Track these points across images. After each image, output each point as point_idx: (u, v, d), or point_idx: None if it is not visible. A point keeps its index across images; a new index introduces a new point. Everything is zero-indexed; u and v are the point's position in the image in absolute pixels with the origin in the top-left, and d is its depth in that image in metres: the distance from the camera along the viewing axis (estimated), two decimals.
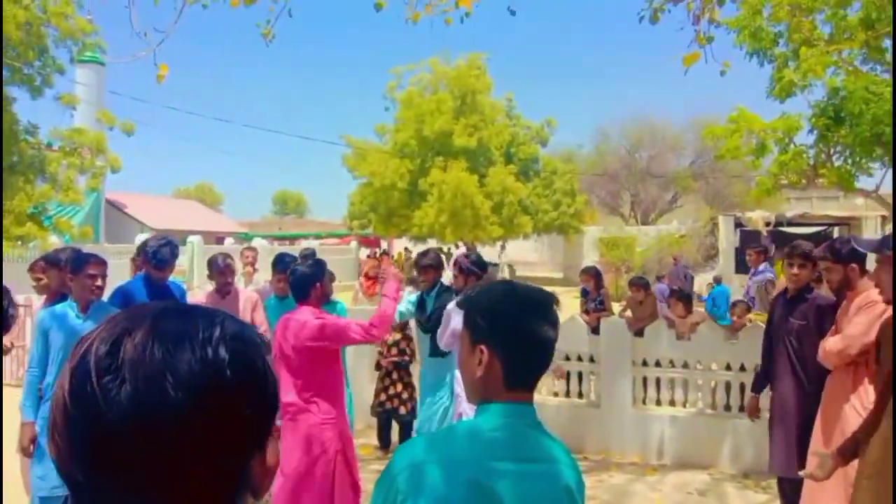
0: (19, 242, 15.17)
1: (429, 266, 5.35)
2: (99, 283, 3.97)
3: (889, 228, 19.09)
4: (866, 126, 9.08)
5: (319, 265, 3.88)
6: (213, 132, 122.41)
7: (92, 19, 17.65)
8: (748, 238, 21.43)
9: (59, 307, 3.95)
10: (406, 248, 30.57)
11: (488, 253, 29.24)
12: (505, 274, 27.27)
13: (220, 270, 5.06)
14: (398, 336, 6.39)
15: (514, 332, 1.48)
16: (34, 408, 3.81)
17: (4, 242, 14.85)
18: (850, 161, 10.07)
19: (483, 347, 1.48)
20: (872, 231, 19.80)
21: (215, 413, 0.67)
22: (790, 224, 20.81)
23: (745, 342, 6.02)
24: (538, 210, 27.39)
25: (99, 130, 18.13)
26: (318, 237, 34.15)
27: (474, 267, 4.94)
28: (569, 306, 17.33)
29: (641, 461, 6.22)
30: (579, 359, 6.55)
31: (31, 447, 3.78)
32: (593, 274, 7.29)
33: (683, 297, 6.67)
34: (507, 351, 1.47)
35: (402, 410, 6.22)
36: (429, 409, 5.14)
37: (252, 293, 5.37)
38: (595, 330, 6.56)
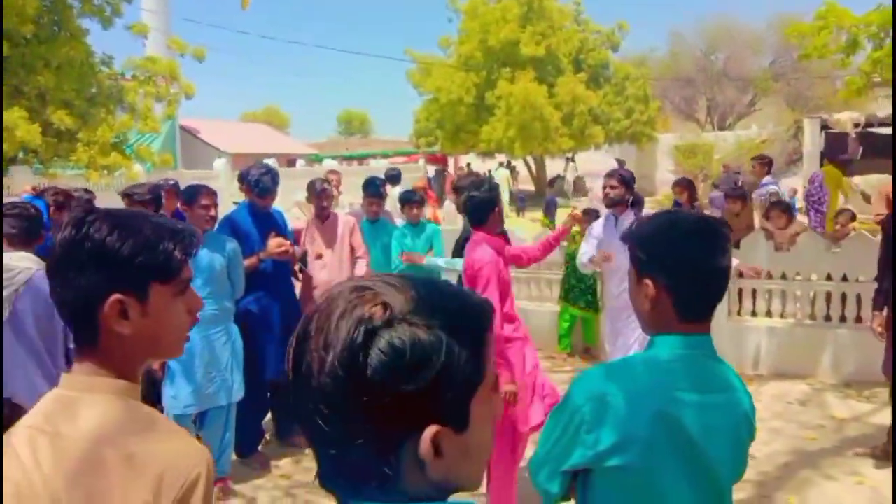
0: (105, 172, 15.71)
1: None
2: (212, 212, 4.13)
3: None
4: None
5: (494, 189, 3.73)
6: (277, 54, 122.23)
7: None
8: (835, 141, 20.28)
9: None
10: (468, 164, 30.36)
11: (558, 166, 28.78)
12: (570, 188, 26.82)
13: (318, 195, 5.14)
14: None
15: (678, 264, 1.43)
16: None
17: (92, 172, 15.43)
18: None
19: (648, 281, 1.46)
20: None
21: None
22: (881, 125, 19.56)
23: (848, 251, 5.81)
24: (609, 119, 26.53)
25: (170, 58, 18.35)
26: (385, 156, 34.16)
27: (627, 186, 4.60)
28: None
29: (737, 372, 6.18)
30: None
31: (161, 370, 4.02)
32: (686, 185, 7.07)
33: (784, 207, 6.41)
34: (675, 283, 1.43)
35: None
36: None
37: (349, 217, 5.46)
38: None
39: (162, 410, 4.28)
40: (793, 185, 8.37)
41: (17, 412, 3.00)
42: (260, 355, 4.50)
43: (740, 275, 6.06)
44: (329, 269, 5.15)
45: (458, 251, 4.94)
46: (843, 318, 5.91)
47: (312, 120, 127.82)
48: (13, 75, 14.74)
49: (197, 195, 4.19)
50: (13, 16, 14.35)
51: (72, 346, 3.34)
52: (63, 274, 1.11)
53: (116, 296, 1.12)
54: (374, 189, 5.66)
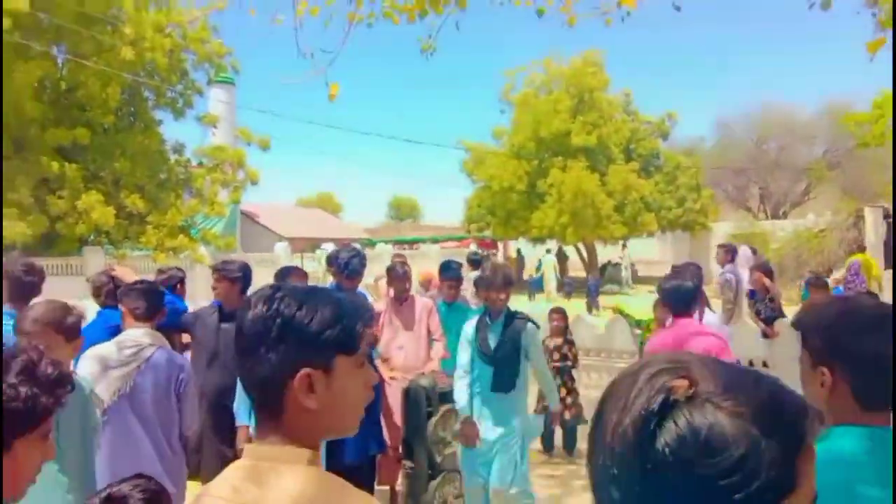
0: (171, 253, 16.29)
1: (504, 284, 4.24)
2: None
3: None
4: None
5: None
6: (331, 142, 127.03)
7: (223, 42, 18.82)
8: None
9: None
10: (518, 250, 30.47)
11: (609, 252, 28.67)
12: (627, 273, 26.56)
13: (399, 278, 5.21)
14: (559, 341, 6.36)
15: (861, 353, 1.40)
16: (248, 411, 4.05)
17: (159, 253, 16.04)
18: None
19: (825, 369, 1.43)
20: None
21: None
22: None
23: None
24: (661, 207, 26.53)
25: (236, 146, 19.28)
26: (435, 241, 34.66)
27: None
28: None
29: None
30: (750, 364, 6.27)
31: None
32: (765, 272, 6.95)
33: (820, 282, 6.23)
34: (853, 372, 1.41)
35: (567, 415, 6.18)
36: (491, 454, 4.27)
37: (427, 300, 5.50)
38: (765, 333, 6.26)
39: None
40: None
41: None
42: (339, 438, 4.46)
43: None
44: (406, 352, 5.15)
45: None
46: None
47: (364, 205, 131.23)
48: (92, 161, 15.62)
49: (287, 276, 4.32)
50: (96, 107, 15.35)
51: (185, 430, 3.40)
52: (254, 349, 1.14)
53: (306, 370, 1.14)
54: (451, 272, 5.71)
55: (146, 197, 16.10)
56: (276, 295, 1.17)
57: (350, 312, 1.20)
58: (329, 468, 3.82)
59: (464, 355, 4.30)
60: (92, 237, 16.05)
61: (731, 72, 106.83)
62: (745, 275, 7.80)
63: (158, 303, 3.41)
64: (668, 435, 0.68)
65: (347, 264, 4.61)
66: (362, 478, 4.32)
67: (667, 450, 0.68)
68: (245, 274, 4.64)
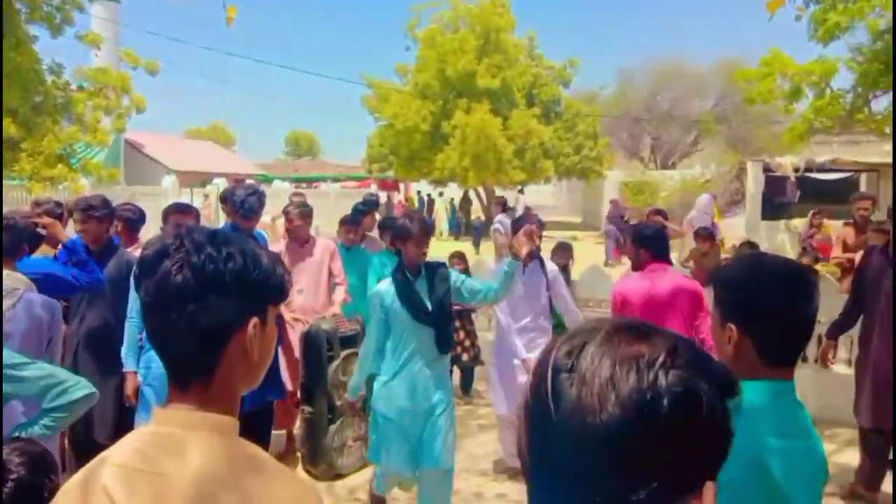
0: (49, 184, 15.11)
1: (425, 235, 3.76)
2: None
3: None
4: None
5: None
6: (225, 69, 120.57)
7: None
8: (775, 184, 21.20)
9: None
10: (419, 192, 30.48)
11: (508, 197, 29.14)
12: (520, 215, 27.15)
13: (300, 217, 5.02)
14: None
15: (765, 310, 1.43)
16: (136, 357, 3.84)
17: (35, 184, 14.82)
18: None
19: (732, 325, 1.45)
20: None
21: (652, 433, 0.67)
22: (819, 170, 20.55)
23: None
24: (560, 154, 27.05)
25: (121, 70, 17.88)
26: (336, 180, 33.92)
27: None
28: (591, 252, 17.21)
29: None
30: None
31: (135, 396, 3.82)
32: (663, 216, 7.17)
33: (752, 247, 6.61)
34: (760, 329, 1.43)
35: (465, 357, 6.27)
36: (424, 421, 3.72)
37: (329, 242, 5.35)
38: None
39: None
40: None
41: None
42: None
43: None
44: (306, 294, 5.02)
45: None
46: (804, 359, 6.07)
47: (259, 139, 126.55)
48: None
49: (168, 214, 4.03)
50: None
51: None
52: (198, 297, 1.02)
53: (255, 318, 1.07)
54: (352, 216, 5.58)
55: (19, 121, 14.74)
56: (215, 240, 1.06)
57: (275, 260, 1.14)
58: None
59: (379, 329, 3.65)
60: None
61: (633, 23, 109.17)
62: (705, 220, 9.40)
63: (18, 240, 3.07)
64: (672, 404, 0.68)
65: (244, 202, 4.37)
66: (259, 425, 4.20)
67: (671, 421, 0.67)
68: (112, 211, 4.22)
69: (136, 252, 4.54)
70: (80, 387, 2.26)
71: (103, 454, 1.05)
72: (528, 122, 25.12)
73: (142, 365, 3.83)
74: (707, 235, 6.76)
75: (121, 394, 3.94)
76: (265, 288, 1.08)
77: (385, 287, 3.68)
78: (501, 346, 4.71)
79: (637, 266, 4.04)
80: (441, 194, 28.29)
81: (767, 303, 1.43)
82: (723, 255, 7.05)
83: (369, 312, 3.87)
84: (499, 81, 25.10)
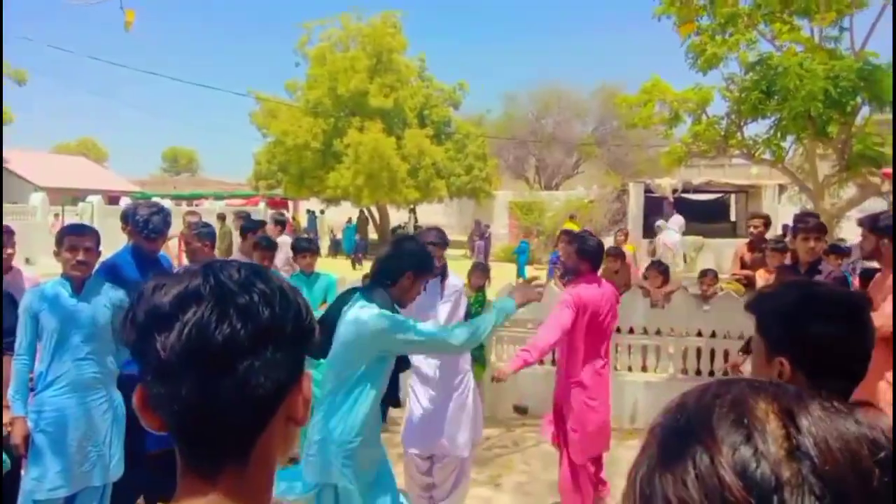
0: None
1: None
2: (81, 257, 3.48)
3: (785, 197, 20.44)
4: (800, 102, 9.52)
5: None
6: (99, 81, 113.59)
7: None
8: (654, 204, 22.34)
9: (49, 286, 3.48)
10: (314, 211, 29.90)
11: (402, 216, 29.07)
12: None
13: (199, 238, 4.66)
14: None
15: (820, 343, 1.34)
16: (24, 401, 3.36)
17: None
18: (778, 134, 10.55)
19: (783, 360, 1.35)
20: (770, 199, 21.10)
21: None
22: (696, 191, 21.87)
23: (718, 310, 6.24)
24: (451, 173, 27.31)
25: None
26: (218, 197, 32.59)
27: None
28: (497, 271, 17.38)
29: (615, 425, 6.35)
30: None
31: (24, 445, 3.34)
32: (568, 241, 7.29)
33: (661, 267, 6.82)
34: (816, 363, 1.33)
35: None
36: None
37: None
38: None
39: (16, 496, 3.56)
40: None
41: None
42: (139, 424, 3.89)
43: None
44: None
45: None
46: (711, 373, 6.31)
47: (133, 155, 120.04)
48: None
49: (62, 237, 3.58)
50: None
51: None
52: (255, 355, 0.76)
53: (309, 372, 0.84)
54: (265, 240, 5.26)
55: None
56: (258, 278, 0.80)
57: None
58: (128, 460, 3.21)
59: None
60: None
61: (517, 48, 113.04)
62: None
63: None
64: None
65: (147, 223, 3.96)
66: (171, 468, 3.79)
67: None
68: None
69: (14, 277, 4.05)
70: None
71: None
72: (420, 141, 25.22)
73: (32, 409, 3.36)
74: (617, 254, 6.93)
75: None
76: (311, 336, 0.84)
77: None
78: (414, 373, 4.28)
79: (576, 276, 4.36)
80: (322, 212, 28.02)
81: (824, 335, 1.34)
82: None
83: None
84: (391, 101, 25.07)
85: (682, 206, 22.55)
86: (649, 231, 21.84)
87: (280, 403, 0.80)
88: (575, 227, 14.20)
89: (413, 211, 28.61)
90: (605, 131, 35.64)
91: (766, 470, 0.51)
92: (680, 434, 0.56)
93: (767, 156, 10.65)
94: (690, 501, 0.52)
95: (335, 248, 25.18)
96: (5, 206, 19.22)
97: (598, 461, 4.59)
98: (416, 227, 28.78)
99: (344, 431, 2.84)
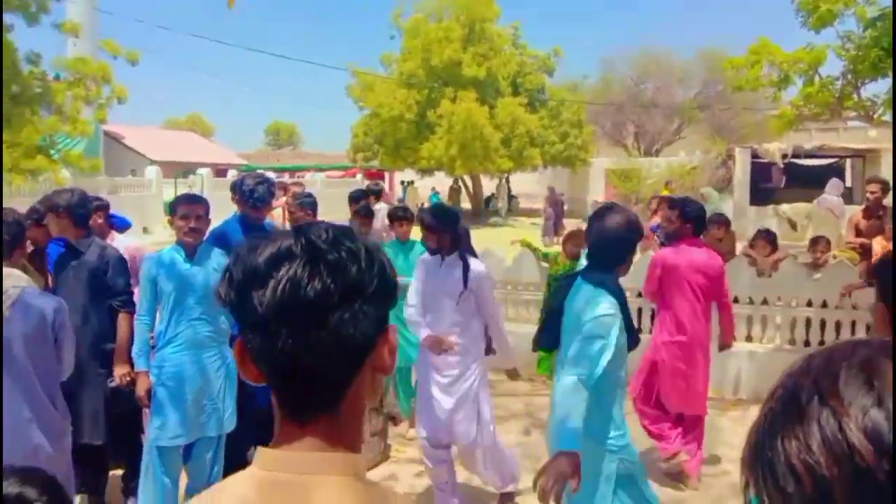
0: (29, 176, 14.69)
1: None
2: (193, 224, 3.69)
3: None
4: None
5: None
6: (204, 58, 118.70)
7: None
8: (762, 169, 21.24)
9: (165, 253, 3.72)
10: (406, 182, 30.31)
11: (491, 186, 29.01)
12: (504, 205, 27.08)
13: (307, 209, 4.83)
14: None
15: None
16: (147, 357, 3.64)
17: (15, 176, 14.40)
18: None
19: None
20: (890, 164, 19.63)
21: None
22: (807, 156, 20.64)
23: (830, 278, 5.91)
24: (545, 142, 26.96)
25: (100, 59, 17.44)
26: (319, 169, 33.54)
27: (441, 223, 3.83)
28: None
29: (717, 395, 6.18)
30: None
31: (147, 397, 3.62)
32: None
33: (769, 236, 6.52)
34: None
35: None
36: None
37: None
38: None
39: (141, 442, 3.88)
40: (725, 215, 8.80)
41: None
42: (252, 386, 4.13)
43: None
44: None
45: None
46: (821, 343, 6.01)
47: (238, 129, 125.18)
48: None
49: (175, 206, 3.82)
50: None
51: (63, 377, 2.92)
52: (345, 308, 0.81)
53: (393, 325, 0.89)
54: (366, 207, 5.40)
55: None
56: (345, 237, 0.85)
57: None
58: (241, 414, 3.42)
59: None
60: None
61: (615, 13, 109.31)
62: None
63: (18, 235, 2.86)
64: None
65: (253, 192, 4.17)
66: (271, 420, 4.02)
67: None
68: (71, 204, 3.86)
69: (112, 243, 4.32)
70: None
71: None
72: (514, 110, 25.00)
73: (154, 364, 3.63)
74: (722, 221, 6.66)
75: (106, 393, 3.76)
76: (395, 290, 0.89)
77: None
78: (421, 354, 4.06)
79: (677, 239, 4.40)
80: (412, 182, 28.12)
81: None
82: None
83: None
84: (484, 70, 24.92)
85: (792, 171, 21.35)
86: (757, 198, 20.83)
87: (369, 354, 0.85)
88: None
89: (507, 180, 28.46)
90: (708, 95, 34.07)
91: None
92: (805, 396, 0.54)
93: (887, 117, 9.90)
94: (816, 466, 0.51)
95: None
96: (123, 179, 20.54)
97: (685, 423, 4.49)
98: (510, 197, 28.69)
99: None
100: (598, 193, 26.21)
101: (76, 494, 3.72)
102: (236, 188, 4.27)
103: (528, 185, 32.59)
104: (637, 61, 34.84)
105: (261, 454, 0.85)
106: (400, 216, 5.34)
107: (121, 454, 3.96)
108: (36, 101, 15.81)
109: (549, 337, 3.11)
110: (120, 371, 3.75)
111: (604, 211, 2.82)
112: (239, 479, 0.86)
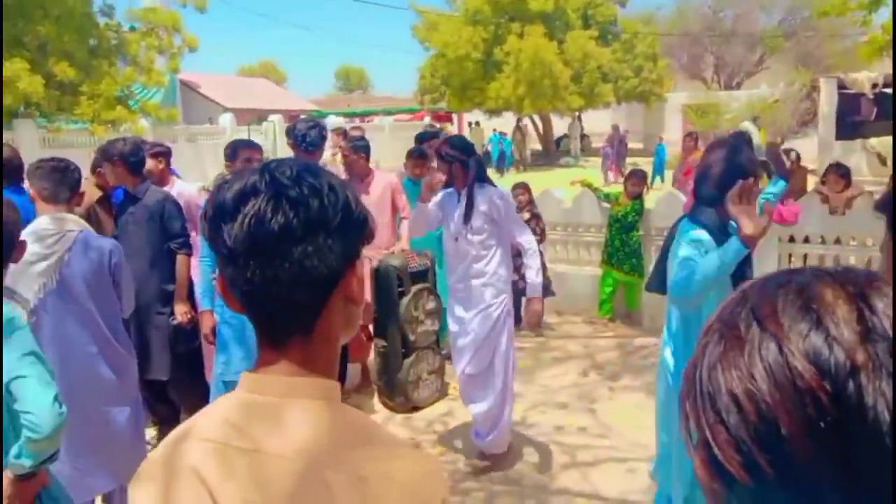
0: (110, 126, 15.32)
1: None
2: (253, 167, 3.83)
3: None
4: None
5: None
6: (270, 4, 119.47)
7: None
8: (848, 101, 19.97)
9: None
10: (472, 123, 29.98)
11: (566, 124, 28.36)
12: (577, 145, 26.46)
13: (357, 152, 4.88)
14: (527, 215, 6.16)
15: None
16: (211, 297, 3.82)
17: (97, 126, 15.03)
18: None
19: None
20: None
21: None
22: None
23: None
24: (618, 77, 26.05)
25: (170, 8, 17.77)
26: (388, 113, 33.59)
27: (458, 153, 3.72)
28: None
29: None
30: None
31: (212, 335, 3.82)
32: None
33: (841, 171, 6.18)
34: None
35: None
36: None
37: (391, 176, 5.21)
38: None
39: (205, 380, 4.12)
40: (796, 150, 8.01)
41: (80, 393, 2.78)
42: None
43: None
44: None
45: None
46: None
47: (310, 75, 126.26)
48: (12, 25, 14.21)
49: (237, 151, 3.98)
50: None
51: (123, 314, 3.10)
52: (308, 241, 0.86)
53: (358, 260, 0.92)
54: (419, 149, 5.41)
55: (76, 65, 14.82)
56: (308, 173, 0.89)
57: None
58: None
59: None
60: (22, 109, 14.89)
61: None
62: None
63: (73, 181, 3.01)
64: None
65: (305, 136, 4.25)
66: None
67: None
68: (124, 153, 3.99)
69: (171, 189, 4.50)
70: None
71: (186, 426, 0.93)
72: (584, 44, 24.18)
73: (217, 304, 3.81)
74: (843, 173, 6.25)
75: (168, 331, 3.98)
76: (363, 226, 0.93)
77: None
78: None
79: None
80: (478, 123, 27.38)
81: None
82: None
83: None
84: (552, 3, 24.10)
85: (883, 103, 19.98)
86: (844, 132, 19.68)
87: (336, 285, 0.90)
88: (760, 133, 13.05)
89: (578, 118, 27.75)
90: (793, 22, 31.98)
91: (840, 355, 0.48)
92: (743, 325, 0.54)
93: None
94: (759, 393, 0.50)
95: (500, 161, 24.84)
96: (200, 127, 21.13)
97: None
98: (582, 136, 28.02)
99: None
100: (675, 129, 25.31)
101: (148, 426, 4.00)
102: (290, 133, 4.36)
103: (601, 124, 31.71)
104: None
105: (243, 378, 0.92)
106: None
107: (185, 390, 4.21)
108: (112, 53, 16.40)
109: (657, 279, 3.05)
110: (180, 310, 3.96)
111: (713, 144, 2.67)
112: (224, 400, 0.93)
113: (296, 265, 0.85)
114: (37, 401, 1.90)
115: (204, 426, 0.90)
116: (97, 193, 4.45)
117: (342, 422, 0.90)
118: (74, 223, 2.92)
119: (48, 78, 14.07)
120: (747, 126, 11.54)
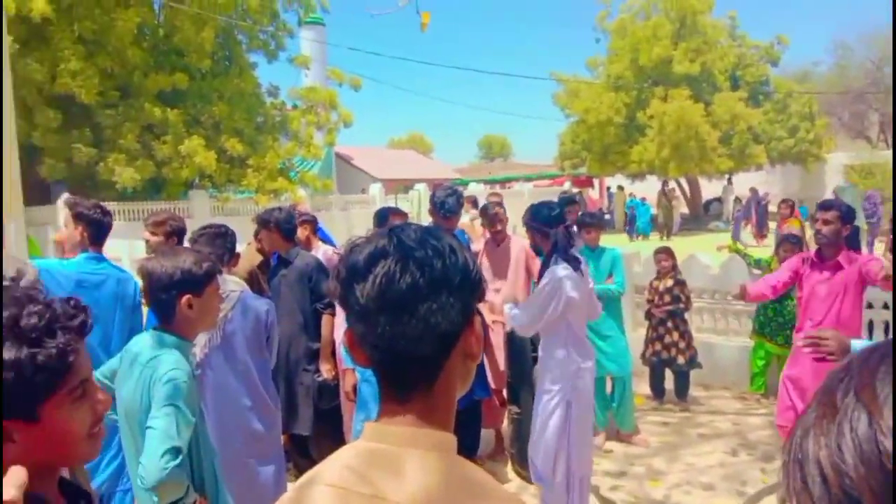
0: (272, 195, 16.61)
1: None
2: None
3: None
4: None
5: None
6: (419, 80, 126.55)
7: None
8: None
9: None
10: (610, 188, 29.58)
11: (714, 188, 27.29)
12: (730, 207, 25.28)
13: (492, 218, 4.99)
14: (670, 282, 5.97)
15: None
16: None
17: (261, 196, 16.38)
18: None
19: None
20: None
21: None
22: None
23: None
24: (771, 138, 24.89)
25: (328, 87, 19.27)
26: (528, 179, 34.01)
27: (536, 223, 3.54)
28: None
29: None
30: (885, 307, 5.72)
31: (353, 392, 3.96)
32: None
33: None
34: None
35: (680, 360, 5.85)
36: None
37: (526, 241, 5.24)
38: None
39: (343, 436, 4.25)
40: None
41: (228, 440, 2.96)
42: None
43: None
44: (503, 295, 4.95)
45: None
46: None
47: (454, 145, 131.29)
48: (192, 106, 15.96)
49: (386, 218, 4.21)
50: (193, 52, 15.59)
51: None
52: (433, 298, 0.93)
53: (479, 317, 0.99)
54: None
55: (245, 140, 16.35)
56: (431, 237, 0.97)
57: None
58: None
59: None
60: (196, 181, 16.54)
61: None
62: None
63: (232, 246, 3.31)
64: None
65: (444, 204, 4.41)
66: (469, 422, 4.23)
67: None
68: (279, 220, 4.31)
69: (316, 252, 4.80)
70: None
71: (312, 472, 0.99)
72: (732, 105, 23.40)
73: None
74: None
75: (313, 387, 4.16)
76: (478, 285, 0.99)
77: None
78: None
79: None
80: (621, 188, 27.09)
81: None
82: None
83: None
84: (698, 66, 23.67)
85: None
86: None
87: (456, 340, 0.96)
88: None
89: (729, 181, 26.62)
90: None
91: None
92: (840, 393, 0.52)
93: None
94: (844, 466, 0.47)
95: (630, 225, 24.05)
96: (351, 196, 22.36)
97: None
98: (736, 199, 26.78)
99: None
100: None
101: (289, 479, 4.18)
102: (431, 200, 4.54)
103: (752, 185, 30.23)
104: (876, 41, 30.83)
105: (366, 427, 0.97)
106: (587, 223, 5.30)
107: (325, 445, 4.37)
108: (276, 129, 17.91)
109: None
110: (326, 367, 4.16)
111: None
112: (348, 448, 0.98)
113: (421, 321, 0.92)
114: (149, 452, 2.00)
115: (328, 472, 0.95)
116: (258, 258, 4.83)
117: (459, 474, 0.93)
118: (235, 284, 3.19)
119: (220, 153, 15.59)
120: (840, 187, 10.91)
